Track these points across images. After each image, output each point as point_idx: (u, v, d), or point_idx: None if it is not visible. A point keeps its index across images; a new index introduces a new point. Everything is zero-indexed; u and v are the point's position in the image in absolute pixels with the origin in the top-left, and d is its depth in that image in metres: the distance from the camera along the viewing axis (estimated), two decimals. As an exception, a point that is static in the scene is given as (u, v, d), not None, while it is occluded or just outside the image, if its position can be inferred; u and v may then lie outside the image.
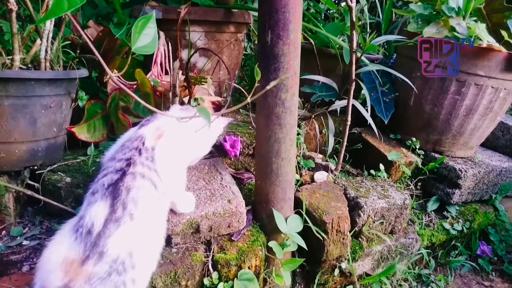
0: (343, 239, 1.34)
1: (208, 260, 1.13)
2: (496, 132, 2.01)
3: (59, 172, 1.23)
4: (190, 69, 1.91)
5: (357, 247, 1.41)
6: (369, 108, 1.63)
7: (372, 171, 1.64)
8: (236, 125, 1.72)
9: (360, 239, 1.44)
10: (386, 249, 1.48)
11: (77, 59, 1.33)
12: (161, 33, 1.74)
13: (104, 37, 1.45)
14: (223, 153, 1.58)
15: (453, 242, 1.72)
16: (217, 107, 1.78)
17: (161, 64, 1.82)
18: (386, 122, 1.77)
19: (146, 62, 1.93)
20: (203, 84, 1.56)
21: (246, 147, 1.58)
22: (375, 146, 1.74)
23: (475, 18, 1.75)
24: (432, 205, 1.74)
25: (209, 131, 0.91)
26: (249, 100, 0.94)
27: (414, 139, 1.77)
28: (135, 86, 1.65)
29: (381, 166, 1.62)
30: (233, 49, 1.98)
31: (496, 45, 1.54)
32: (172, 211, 1.09)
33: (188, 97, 1.56)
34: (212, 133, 1.21)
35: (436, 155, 1.78)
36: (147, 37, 1.03)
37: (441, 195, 1.75)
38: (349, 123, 1.52)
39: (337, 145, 1.73)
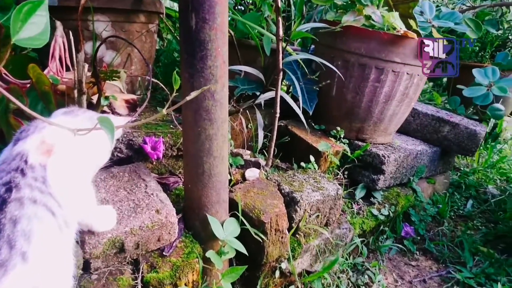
0: (282, 238, 1.26)
1: (137, 283, 0.96)
2: (408, 118, 2.12)
3: None
4: (97, 65, 1.68)
5: (295, 245, 1.35)
6: (300, 99, 1.58)
7: (303, 164, 1.60)
8: (155, 124, 1.55)
9: (297, 235, 1.38)
10: (323, 242, 1.44)
11: None
12: (58, 23, 1.49)
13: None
14: (143, 157, 1.40)
15: (381, 227, 1.76)
16: (132, 105, 1.58)
17: (60, 59, 1.57)
18: (310, 113, 1.74)
19: (41, 58, 1.65)
20: (115, 80, 1.36)
21: (169, 148, 1.42)
22: (302, 138, 1.70)
23: (386, 8, 1.80)
24: (359, 193, 1.76)
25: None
26: (172, 97, 0.81)
27: (338, 128, 1.77)
28: (28, 85, 1.39)
29: (311, 158, 1.58)
30: (145, 41, 1.79)
31: (410, 32, 1.59)
32: (89, 232, 0.90)
33: (97, 95, 1.35)
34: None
35: (360, 143, 1.80)
36: (34, 26, 0.83)
37: (367, 182, 1.78)
38: (278, 115, 1.45)
39: (264, 140, 1.65)
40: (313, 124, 1.88)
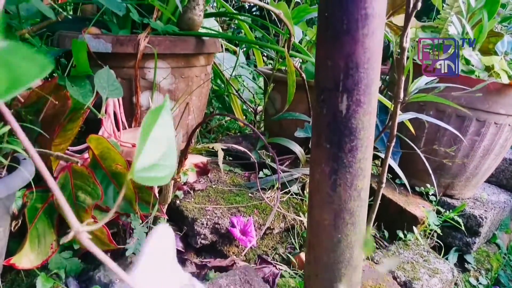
0: None
1: None
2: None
3: None
4: (153, 118, 1.44)
5: None
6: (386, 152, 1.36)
7: (401, 234, 1.38)
8: (230, 192, 1.31)
9: (416, 332, 1.16)
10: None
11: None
12: (111, 72, 1.24)
13: (44, 96, 0.91)
14: (228, 240, 1.16)
15: (478, 298, 1.55)
16: (202, 170, 1.34)
17: (115, 116, 1.32)
18: (395, 168, 1.52)
19: (86, 124, 1.35)
20: (200, 154, 1.11)
21: (258, 228, 1.18)
22: (393, 201, 1.48)
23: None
24: (452, 258, 1.55)
25: None
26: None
27: (428, 185, 1.56)
28: (86, 155, 1.13)
29: (415, 229, 1.36)
30: (203, 86, 1.55)
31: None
32: None
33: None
34: None
35: (448, 200, 1.60)
36: (157, 145, 0.50)
37: (459, 245, 1.57)
38: (383, 186, 1.23)
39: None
40: (389, 179, 1.66)
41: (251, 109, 1.97)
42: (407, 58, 0.93)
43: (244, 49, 2.76)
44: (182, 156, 1.02)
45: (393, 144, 1.17)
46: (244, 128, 2.16)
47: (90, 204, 0.92)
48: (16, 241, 0.88)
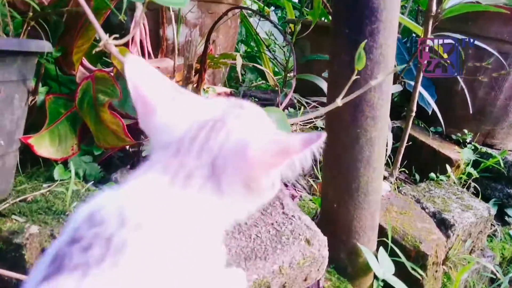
0: (436, 272, 0.98)
1: None
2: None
3: (13, 216, 0.71)
4: (179, 52, 1.44)
5: (444, 279, 1.06)
6: (417, 94, 1.29)
7: (432, 175, 1.30)
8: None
9: (445, 266, 1.08)
10: (471, 275, 1.14)
11: (32, 24, 0.82)
12: (138, 3, 1.25)
13: (68, -5, 0.93)
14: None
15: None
16: (225, 100, 1.32)
17: (141, 44, 1.33)
18: (430, 112, 1.44)
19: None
20: (220, 67, 1.10)
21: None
22: (425, 143, 1.40)
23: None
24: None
25: None
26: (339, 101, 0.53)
27: (465, 131, 1.46)
28: (112, 73, 1.15)
29: (448, 168, 1.28)
30: (230, 26, 1.53)
31: None
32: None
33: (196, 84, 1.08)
34: None
35: (488, 150, 1.48)
36: None
37: (499, 196, 1.46)
38: (413, 114, 1.16)
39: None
40: (425, 126, 1.57)
41: (281, 65, 1.93)
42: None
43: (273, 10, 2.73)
44: (203, 66, 1.00)
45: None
46: (274, 87, 2.13)
47: (107, 100, 0.93)
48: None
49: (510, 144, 1.52)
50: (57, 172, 0.88)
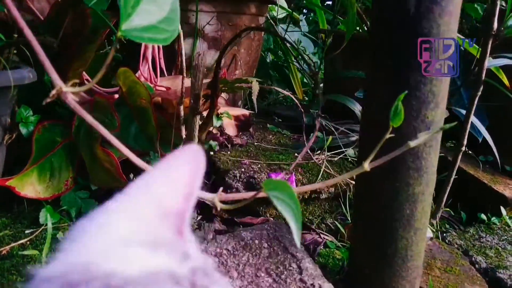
0: None
1: None
2: None
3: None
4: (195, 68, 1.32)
5: None
6: (476, 120, 1.11)
7: (483, 216, 1.11)
8: (273, 150, 1.14)
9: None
10: None
11: (14, 50, 0.71)
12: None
13: (63, 12, 0.82)
14: (265, 199, 1.00)
15: None
16: (243, 124, 1.19)
17: (153, 60, 1.22)
18: (480, 140, 1.24)
19: (126, 59, 1.30)
20: (236, 92, 0.96)
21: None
22: (474, 176, 1.21)
23: None
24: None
25: None
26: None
27: (523, 162, 1.25)
28: (116, 96, 1.04)
29: (503, 211, 1.09)
30: (253, 38, 1.40)
31: None
32: None
33: (207, 111, 0.95)
34: None
35: (548, 184, 1.27)
36: (154, 7, 0.42)
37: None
38: (464, 148, 0.98)
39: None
40: (473, 155, 1.37)
41: (310, 74, 1.78)
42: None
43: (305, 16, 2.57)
44: (214, 92, 0.87)
45: (479, 93, 0.93)
46: (301, 101, 1.99)
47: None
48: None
49: None
50: (43, 216, 0.77)
